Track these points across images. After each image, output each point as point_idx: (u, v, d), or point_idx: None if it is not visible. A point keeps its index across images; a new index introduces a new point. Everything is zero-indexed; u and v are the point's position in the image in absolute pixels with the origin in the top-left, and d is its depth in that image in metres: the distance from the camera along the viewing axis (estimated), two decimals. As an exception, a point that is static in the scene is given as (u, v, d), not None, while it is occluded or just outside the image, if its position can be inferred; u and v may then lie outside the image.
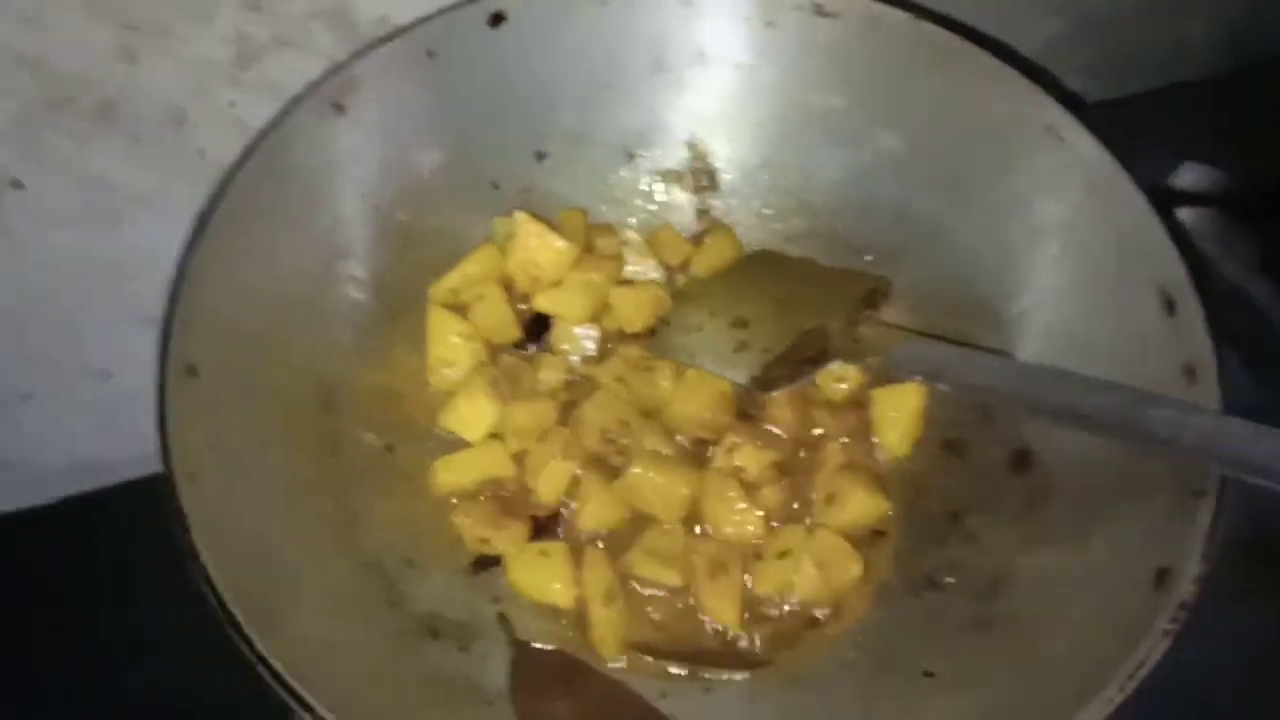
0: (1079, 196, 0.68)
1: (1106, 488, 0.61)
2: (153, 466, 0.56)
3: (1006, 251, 0.73)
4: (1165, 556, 0.53)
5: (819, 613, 0.67)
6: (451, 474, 0.70)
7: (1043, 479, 0.66)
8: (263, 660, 0.50)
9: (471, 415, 0.71)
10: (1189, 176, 0.95)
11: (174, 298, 0.61)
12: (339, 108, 0.70)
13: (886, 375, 0.70)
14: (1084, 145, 0.68)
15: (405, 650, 0.62)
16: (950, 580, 0.66)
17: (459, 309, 0.76)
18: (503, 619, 0.66)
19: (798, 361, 0.69)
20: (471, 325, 0.75)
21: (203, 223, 0.64)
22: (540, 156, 0.81)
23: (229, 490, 0.58)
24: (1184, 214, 0.92)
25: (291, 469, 0.64)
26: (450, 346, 0.74)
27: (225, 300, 0.64)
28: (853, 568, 0.68)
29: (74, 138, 0.72)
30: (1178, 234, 0.88)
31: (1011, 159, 0.72)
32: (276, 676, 0.50)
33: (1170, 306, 0.62)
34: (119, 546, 0.75)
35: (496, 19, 0.75)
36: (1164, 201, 0.91)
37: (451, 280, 0.76)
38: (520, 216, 0.75)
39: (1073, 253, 0.69)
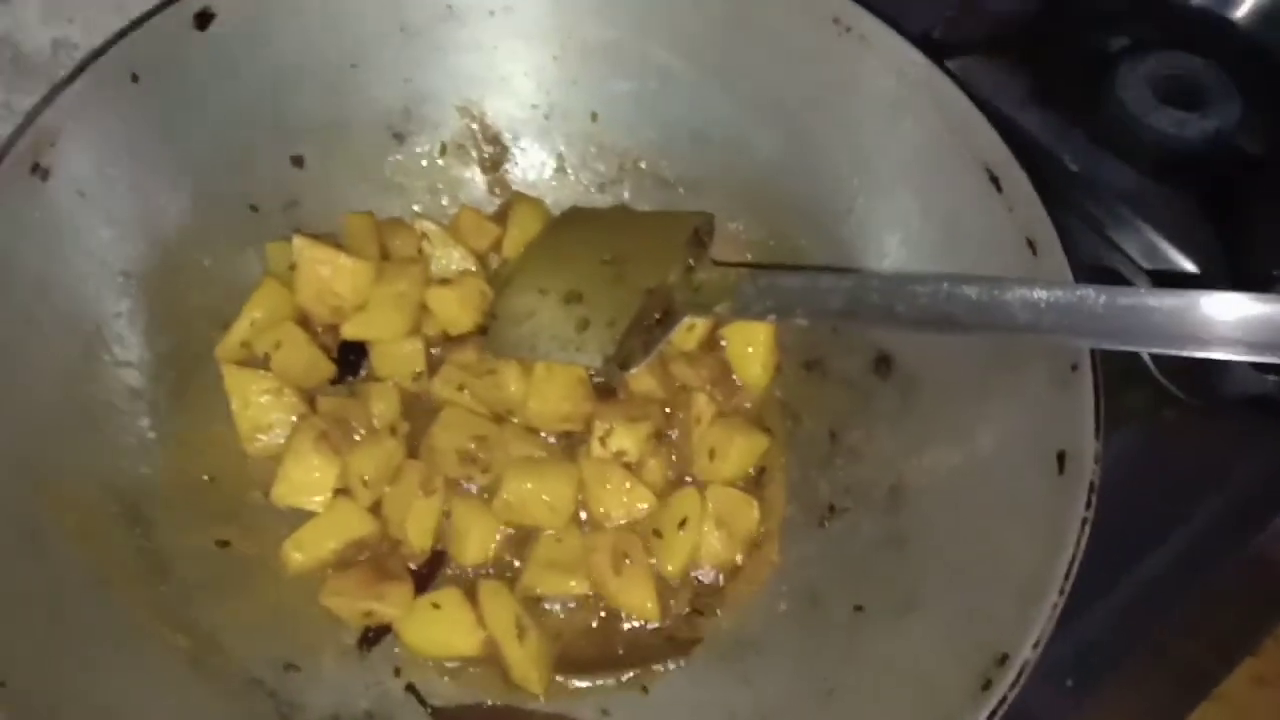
0: (880, 86, 0.66)
1: (976, 374, 0.61)
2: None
3: (818, 154, 0.70)
4: (1059, 438, 0.53)
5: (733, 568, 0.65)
6: (305, 551, 0.62)
7: (908, 378, 0.66)
8: None
9: (307, 481, 0.62)
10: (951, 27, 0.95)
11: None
12: (40, 170, 0.57)
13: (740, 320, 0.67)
14: (874, 33, 0.65)
15: (316, 768, 0.55)
16: (849, 504, 0.65)
17: (257, 362, 0.66)
18: (411, 690, 0.60)
19: (647, 327, 0.65)
20: (276, 377, 0.65)
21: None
22: (298, 161, 0.71)
23: (49, 671, 0.48)
24: (953, 64, 0.92)
25: (117, 612, 0.54)
26: (259, 408, 0.64)
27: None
28: (751, 513, 0.66)
29: None
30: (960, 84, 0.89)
31: (801, 58, 0.68)
32: None
33: (996, 182, 0.61)
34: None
35: (203, 19, 0.63)
36: (934, 56, 0.92)
37: (239, 332, 0.66)
38: (299, 243, 0.66)
39: (887, 144, 0.67)
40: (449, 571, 0.64)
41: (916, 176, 0.66)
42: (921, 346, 0.65)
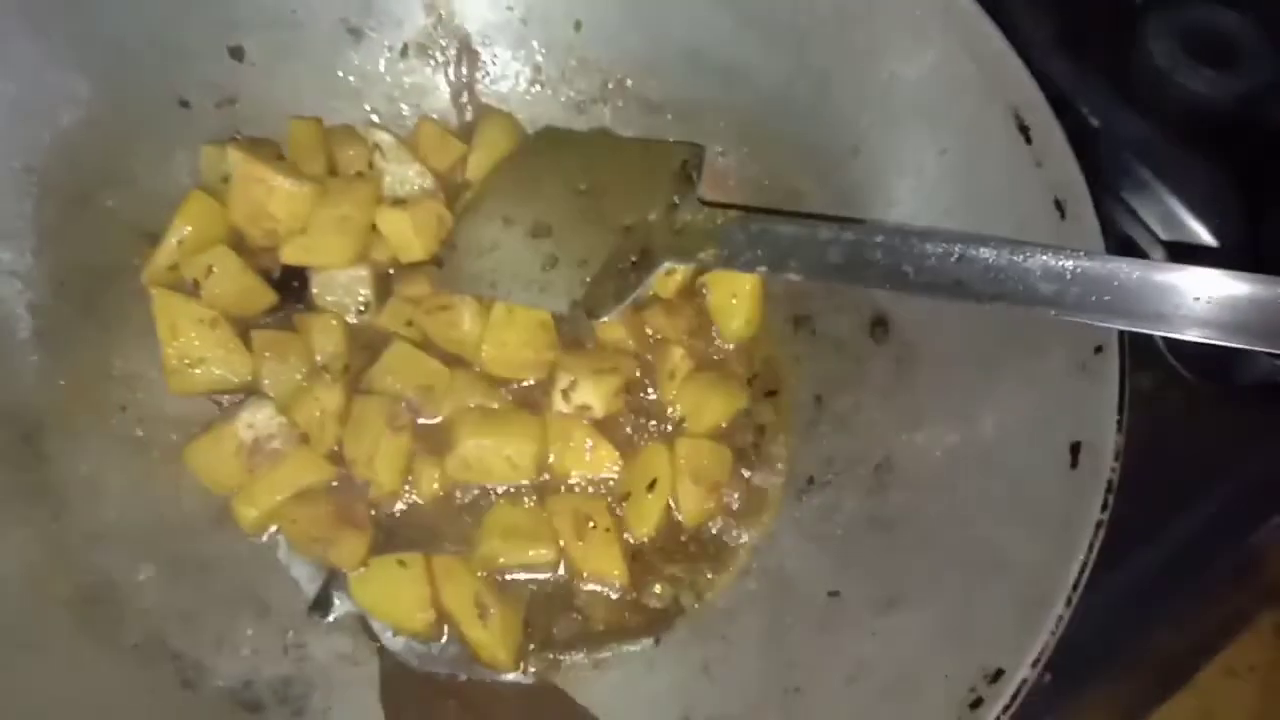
0: (900, 11, 0.58)
1: (983, 348, 0.55)
2: None
3: (826, 86, 0.62)
4: (1075, 428, 0.47)
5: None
6: (259, 505, 0.55)
7: (906, 345, 0.59)
8: None
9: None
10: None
11: None
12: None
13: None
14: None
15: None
16: (829, 476, 0.59)
17: (187, 287, 0.58)
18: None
19: (621, 271, 0.58)
20: (209, 305, 0.58)
21: None
22: (237, 54, 0.62)
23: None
24: None
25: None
26: (189, 339, 0.57)
27: None
28: (725, 458, 0.60)
29: None
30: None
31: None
32: None
33: (1026, 132, 0.54)
34: None
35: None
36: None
37: (167, 251, 0.58)
38: (235, 157, 0.58)
39: (904, 78, 0.59)
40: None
41: (935, 117, 0.58)
42: (923, 310, 0.58)
